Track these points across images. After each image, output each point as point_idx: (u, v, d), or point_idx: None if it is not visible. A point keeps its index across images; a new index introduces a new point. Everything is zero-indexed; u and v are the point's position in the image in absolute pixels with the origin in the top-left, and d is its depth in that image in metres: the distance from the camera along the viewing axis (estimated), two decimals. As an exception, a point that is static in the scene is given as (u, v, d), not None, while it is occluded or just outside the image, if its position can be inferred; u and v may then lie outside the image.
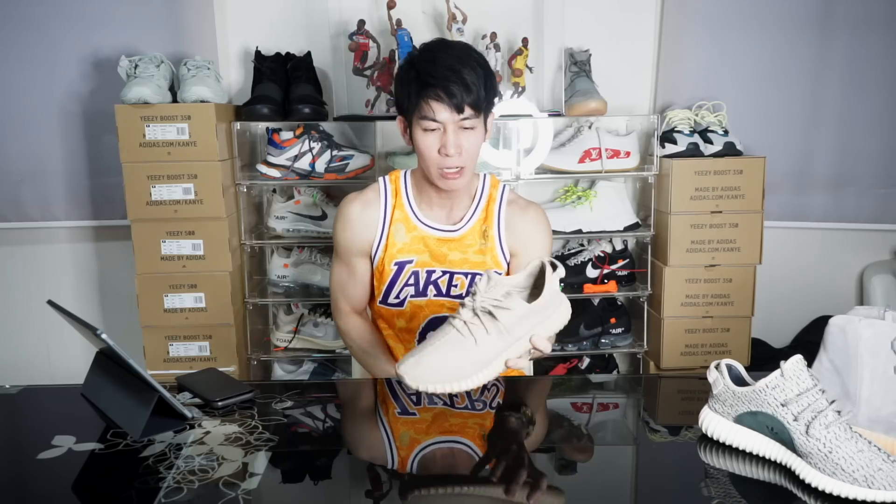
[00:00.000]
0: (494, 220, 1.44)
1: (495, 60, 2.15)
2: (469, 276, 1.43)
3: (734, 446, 0.95)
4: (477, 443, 1.00)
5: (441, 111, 1.30)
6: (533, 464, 0.93)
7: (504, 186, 1.48)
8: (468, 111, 1.31)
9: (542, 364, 2.32)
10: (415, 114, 1.33)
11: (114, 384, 1.08)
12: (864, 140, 2.39)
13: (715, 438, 0.97)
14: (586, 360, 2.37)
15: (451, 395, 1.10)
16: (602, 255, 2.31)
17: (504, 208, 1.45)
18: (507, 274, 1.46)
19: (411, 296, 1.45)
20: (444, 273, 1.43)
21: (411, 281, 1.44)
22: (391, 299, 1.46)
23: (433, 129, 1.32)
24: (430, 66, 1.30)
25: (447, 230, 1.43)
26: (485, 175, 1.48)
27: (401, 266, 1.43)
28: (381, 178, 1.48)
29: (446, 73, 1.28)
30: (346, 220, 1.45)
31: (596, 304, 2.34)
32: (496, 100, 1.42)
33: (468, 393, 1.12)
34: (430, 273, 1.43)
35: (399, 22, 2.14)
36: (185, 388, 1.16)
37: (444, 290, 1.44)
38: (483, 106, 1.33)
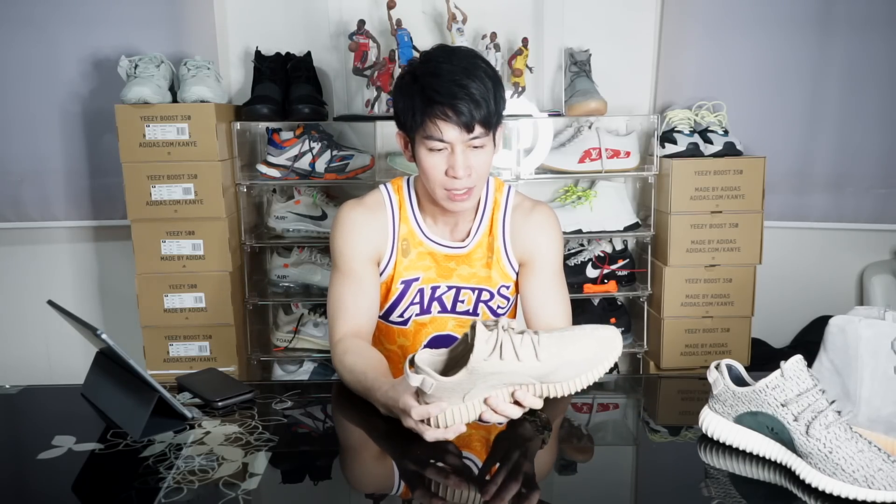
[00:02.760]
0: (499, 229, 1.36)
1: (495, 60, 2.15)
2: (476, 291, 1.36)
3: (734, 446, 0.95)
4: (482, 451, 0.99)
5: (449, 131, 1.18)
6: (532, 480, 0.90)
7: (509, 188, 1.39)
8: (478, 129, 1.19)
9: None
10: (419, 132, 1.21)
11: (114, 384, 1.08)
12: (864, 140, 2.39)
13: (715, 438, 0.97)
14: (586, 360, 2.37)
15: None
16: (602, 255, 2.31)
17: (509, 215, 1.36)
18: (516, 286, 1.40)
19: (416, 314, 1.37)
20: (450, 288, 1.36)
21: (416, 299, 1.36)
22: (394, 317, 1.37)
23: (439, 150, 1.20)
24: (434, 81, 1.17)
25: (454, 247, 1.35)
26: (487, 179, 1.38)
27: (407, 284, 1.35)
28: (382, 187, 1.38)
29: (453, 89, 1.16)
30: (350, 226, 1.32)
31: (596, 304, 2.34)
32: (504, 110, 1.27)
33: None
34: (434, 289, 1.36)
35: (399, 22, 2.14)
36: (185, 389, 1.16)
37: (448, 306, 1.37)
38: (494, 121, 1.21)
